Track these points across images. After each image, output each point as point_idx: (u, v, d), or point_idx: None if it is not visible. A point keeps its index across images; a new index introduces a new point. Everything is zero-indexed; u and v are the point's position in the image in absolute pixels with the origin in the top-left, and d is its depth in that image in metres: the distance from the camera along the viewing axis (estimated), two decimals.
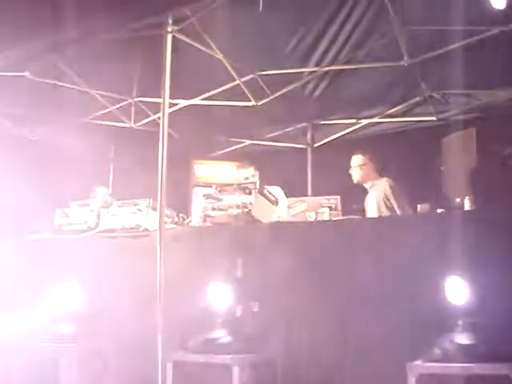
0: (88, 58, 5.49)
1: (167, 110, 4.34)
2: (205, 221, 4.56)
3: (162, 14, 4.33)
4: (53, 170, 7.10)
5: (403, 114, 6.94)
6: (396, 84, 6.37)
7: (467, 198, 4.52)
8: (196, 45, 5.27)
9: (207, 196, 4.52)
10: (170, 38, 4.36)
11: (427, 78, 6.15)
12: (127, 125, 6.89)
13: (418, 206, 4.46)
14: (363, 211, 5.57)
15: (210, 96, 6.38)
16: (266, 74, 6.13)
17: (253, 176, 5.80)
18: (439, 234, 3.54)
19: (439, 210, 4.40)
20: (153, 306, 3.88)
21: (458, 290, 3.14)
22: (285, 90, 6.38)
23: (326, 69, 6.07)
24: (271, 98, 6.44)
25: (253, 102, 6.43)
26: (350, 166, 5.80)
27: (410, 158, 6.41)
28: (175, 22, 4.47)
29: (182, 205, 5.94)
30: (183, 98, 6.31)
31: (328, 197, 4.95)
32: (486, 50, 5.28)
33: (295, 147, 7.62)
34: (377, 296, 3.63)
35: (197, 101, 6.45)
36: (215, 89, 6.28)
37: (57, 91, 6.01)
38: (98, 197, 6.50)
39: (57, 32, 4.37)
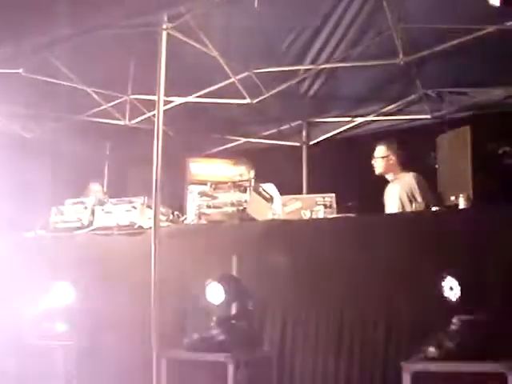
0: (83, 55, 5.47)
1: (162, 108, 4.33)
2: (200, 218, 4.55)
3: (156, 11, 4.31)
4: (47, 167, 7.09)
5: (398, 112, 6.94)
6: (391, 82, 6.37)
7: (462, 196, 4.53)
8: (191, 42, 5.25)
9: (202, 194, 4.51)
10: (164, 35, 4.35)
11: (422, 76, 6.15)
12: (122, 122, 6.87)
13: (413, 205, 4.48)
14: (358, 209, 5.57)
15: (205, 94, 6.37)
16: (261, 72, 6.12)
17: (248, 174, 5.80)
18: (434, 232, 3.54)
19: (434, 209, 4.40)
20: (147, 303, 3.88)
21: (453, 289, 3.14)
22: (280, 87, 6.38)
23: (322, 66, 6.07)
24: (266, 95, 6.43)
25: (248, 100, 6.43)
26: (373, 157, 5.63)
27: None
28: (170, 20, 4.46)
29: (176, 202, 5.94)
30: (178, 96, 6.30)
31: (323, 195, 4.95)
32: (481, 48, 5.27)
33: (290, 145, 7.62)
34: (372, 294, 3.64)
35: (192, 98, 6.44)
36: (210, 86, 6.27)
37: (51, 88, 5.99)
38: (92, 194, 6.50)
39: (51, 29, 4.35)
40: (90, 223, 4.84)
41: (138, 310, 4.03)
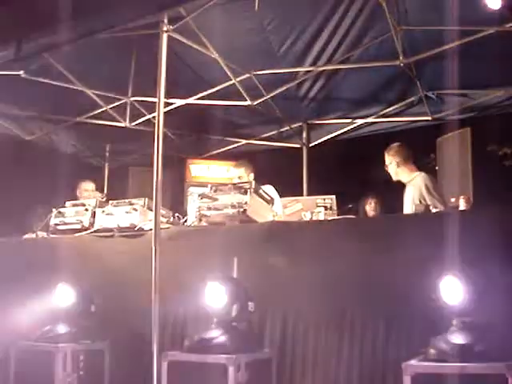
0: (83, 58, 5.48)
1: (162, 110, 4.33)
2: (200, 220, 4.55)
3: (157, 13, 4.32)
4: (48, 169, 7.10)
5: (398, 114, 6.95)
6: (391, 84, 6.38)
7: (462, 197, 4.54)
8: (191, 44, 5.26)
9: (202, 196, 4.50)
10: (165, 37, 4.35)
11: (422, 77, 6.16)
12: (122, 124, 6.88)
13: (413, 206, 4.47)
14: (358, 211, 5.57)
15: (205, 95, 6.38)
16: (262, 74, 6.13)
17: (248, 175, 5.80)
18: (434, 233, 3.54)
19: (434, 210, 4.40)
20: (148, 305, 3.88)
21: (453, 290, 3.14)
22: (280, 89, 6.39)
23: (322, 68, 6.08)
24: (267, 97, 6.45)
25: (248, 102, 6.44)
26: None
27: None
28: (171, 21, 4.47)
29: (177, 204, 5.95)
30: (179, 98, 6.31)
31: (323, 196, 4.95)
32: (481, 50, 5.28)
33: (290, 147, 7.63)
34: (373, 295, 3.63)
35: (192, 100, 6.45)
36: (211, 88, 6.28)
37: (52, 91, 6.00)
38: (85, 193, 6.51)
39: (52, 31, 4.36)
40: (91, 225, 4.84)
41: (139, 312, 4.03)
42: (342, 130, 7.30)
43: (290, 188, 6.19)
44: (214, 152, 7.77)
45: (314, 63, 6.00)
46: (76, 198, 6.26)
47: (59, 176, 6.78)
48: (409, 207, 5.12)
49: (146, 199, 4.72)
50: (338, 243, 3.85)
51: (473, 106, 6.50)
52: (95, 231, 4.77)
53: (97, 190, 6.84)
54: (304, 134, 7.46)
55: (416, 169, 5.30)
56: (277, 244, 4.07)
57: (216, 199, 4.42)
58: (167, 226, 4.67)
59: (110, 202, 4.92)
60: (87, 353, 4.13)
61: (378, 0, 4.89)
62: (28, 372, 4.05)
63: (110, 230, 4.68)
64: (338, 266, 3.75)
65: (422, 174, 5.24)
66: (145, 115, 6.72)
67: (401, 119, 6.97)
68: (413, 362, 3.13)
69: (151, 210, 4.38)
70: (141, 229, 4.61)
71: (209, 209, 4.42)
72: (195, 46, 5.34)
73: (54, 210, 5.03)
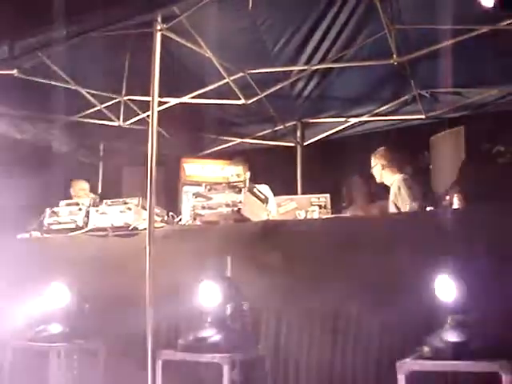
0: (77, 56, 5.46)
1: (156, 109, 4.33)
2: (194, 219, 4.55)
3: (151, 11, 4.32)
4: (42, 168, 7.07)
5: (393, 113, 6.96)
6: (385, 82, 6.39)
7: (456, 196, 4.55)
8: (185, 43, 5.25)
9: (197, 194, 4.51)
10: (159, 36, 4.35)
11: (416, 76, 6.16)
12: (116, 123, 6.86)
13: (407, 205, 4.49)
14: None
15: (199, 94, 6.37)
16: (256, 73, 6.12)
17: (243, 174, 5.81)
18: (428, 232, 3.55)
19: (428, 209, 4.42)
20: (142, 304, 3.87)
21: (447, 288, 3.15)
22: (274, 88, 6.39)
23: (316, 67, 6.08)
24: (261, 96, 6.44)
25: (242, 101, 6.43)
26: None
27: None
28: (164, 20, 4.46)
29: (171, 203, 5.94)
30: (173, 97, 6.30)
31: (318, 195, 4.96)
32: (475, 49, 5.29)
33: (285, 145, 7.63)
34: (367, 294, 3.64)
35: (186, 99, 6.44)
36: (205, 87, 6.28)
37: (46, 89, 5.98)
38: (78, 191, 6.50)
39: (46, 30, 4.35)
40: (85, 224, 4.83)
41: (133, 311, 4.02)
42: (336, 129, 7.31)
43: (284, 187, 6.20)
44: (209, 151, 7.76)
45: (307, 62, 6.00)
46: (70, 197, 6.26)
47: (53, 175, 6.76)
48: (392, 208, 5.18)
49: (141, 198, 4.72)
50: (332, 241, 3.86)
51: (466, 104, 6.50)
52: (89, 230, 4.76)
53: (91, 190, 6.84)
54: (298, 133, 7.47)
55: (398, 171, 5.37)
56: (271, 243, 4.07)
57: (210, 198, 4.43)
58: (161, 225, 4.67)
59: (104, 201, 4.91)
60: (81, 352, 4.12)
61: None
62: (22, 372, 4.04)
63: (104, 230, 4.68)
64: (332, 264, 3.76)
65: (399, 176, 5.31)
66: (139, 114, 6.71)
67: (395, 118, 6.98)
68: (407, 360, 3.14)
69: (145, 209, 4.37)
70: (135, 228, 4.60)
71: (203, 208, 4.42)
72: (189, 45, 5.32)
73: (47, 209, 5.02)
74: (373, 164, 5.53)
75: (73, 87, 6.14)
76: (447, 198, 4.53)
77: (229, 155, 7.05)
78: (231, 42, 5.52)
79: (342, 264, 3.74)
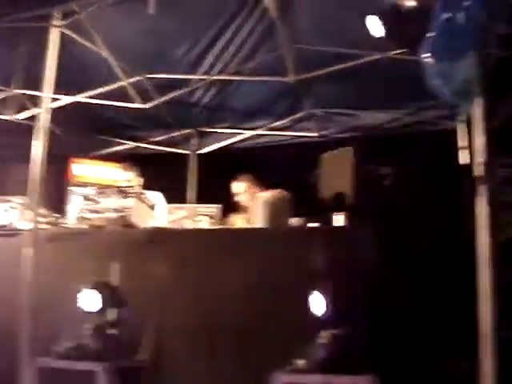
0: None
1: (48, 105, 4.22)
2: (81, 222, 4.46)
3: (49, 6, 4.21)
4: None
5: (288, 128, 7.12)
6: (281, 98, 6.53)
7: (341, 213, 4.69)
8: (83, 42, 5.14)
9: (85, 197, 4.42)
10: (56, 32, 4.24)
11: (312, 95, 6.35)
12: (7, 117, 6.58)
13: (291, 220, 4.59)
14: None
15: (95, 95, 6.24)
16: (155, 77, 6.08)
17: (135, 180, 5.72)
18: (306, 247, 3.66)
19: (311, 225, 4.54)
20: (20, 309, 3.75)
21: (319, 303, 3.25)
22: (173, 94, 6.36)
23: (214, 78, 6.11)
24: (158, 101, 6.39)
25: (139, 105, 6.36)
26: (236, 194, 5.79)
27: (290, 172, 6.57)
28: (64, 17, 4.35)
29: (58, 204, 5.76)
30: (69, 95, 6.13)
31: (208, 205, 4.97)
32: (368, 73, 5.51)
33: (180, 153, 7.61)
34: (244, 305, 3.70)
35: (80, 98, 6.28)
36: (102, 87, 6.15)
37: None
38: None
39: None
40: None
41: (10, 318, 3.87)
42: (232, 140, 7.38)
43: (179, 195, 6.16)
44: (102, 152, 7.59)
45: (208, 71, 6.02)
46: None
47: None
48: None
49: (26, 197, 4.56)
50: (214, 251, 3.91)
51: (358, 126, 6.76)
52: None
53: None
54: (192, 141, 7.47)
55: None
56: (157, 250, 4.06)
57: (98, 202, 4.36)
58: (46, 226, 4.54)
59: None
60: None
61: (273, 17, 4.99)
62: None
63: None
64: (211, 274, 3.80)
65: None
66: (31, 109, 6.47)
67: (288, 133, 7.15)
68: (282, 372, 3.21)
69: (30, 209, 4.24)
70: (16, 228, 4.45)
71: (91, 211, 4.35)
72: (87, 44, 5.21)
73: None
74: (240, 190, 5.73)
75: None
76: (332, 215, 4.67)
77: (122, 159, 6.93)
78: (131, 44, 5.45)
79: (223, 274, 3.80)
